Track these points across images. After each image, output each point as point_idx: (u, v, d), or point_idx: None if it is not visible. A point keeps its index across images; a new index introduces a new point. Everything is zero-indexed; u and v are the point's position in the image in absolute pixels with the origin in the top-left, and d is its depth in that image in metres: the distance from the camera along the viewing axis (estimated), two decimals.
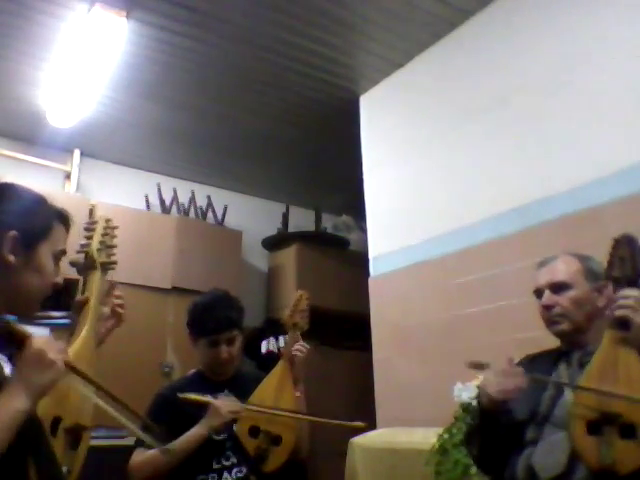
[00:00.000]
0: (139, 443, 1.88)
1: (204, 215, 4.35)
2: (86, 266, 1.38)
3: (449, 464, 1.94)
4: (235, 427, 1.91)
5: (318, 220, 4.67)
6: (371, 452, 2.33)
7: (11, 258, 1.05)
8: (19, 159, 3.81)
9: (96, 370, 1.24)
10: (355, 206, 3.70)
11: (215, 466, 1.87)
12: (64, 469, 1.10)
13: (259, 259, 4.66)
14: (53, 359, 0.98)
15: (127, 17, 2.72)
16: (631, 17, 2.22)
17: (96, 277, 1.36)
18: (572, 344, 1.52)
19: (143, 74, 3.23)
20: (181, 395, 1.88)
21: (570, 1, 2.45)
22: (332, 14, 2.77)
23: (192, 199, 4.33)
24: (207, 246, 4.06)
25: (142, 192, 4.18)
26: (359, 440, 2.41)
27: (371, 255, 3.17)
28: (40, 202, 1.16)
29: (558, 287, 1.52)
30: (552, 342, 1.59)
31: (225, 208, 4.43)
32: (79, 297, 1.37)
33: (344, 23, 2.85)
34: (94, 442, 1.30)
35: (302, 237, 4.41)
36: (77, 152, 4.06)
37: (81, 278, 3.37)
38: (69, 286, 3.21)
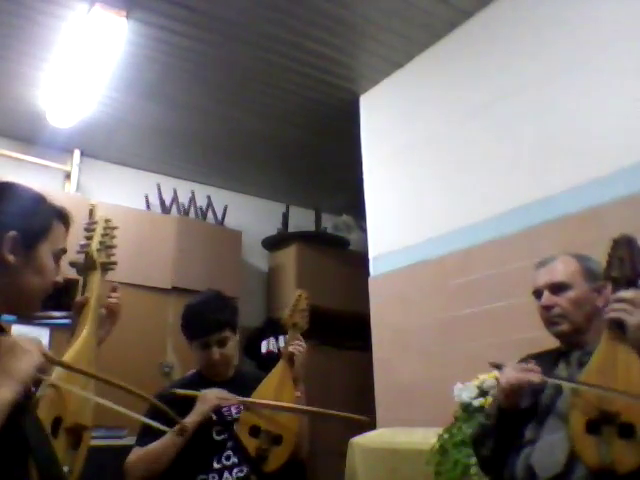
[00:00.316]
0: (138, 442, 1.88)
1: (204, 215, 4.35)
2: (86, 266, 1.38)
3: (449, 464, 1.94)
4: (235, 427, 1.91)
5: (318, 220, 4.67)
6: (371, 452, 2.33)
7: (11, 258, 1.05)
8: (19, 159, 3.82)
9: (96, 370, 1.24)
10: (355, 206, 3.70)
11: (216, 466, 1.87)
12: (65, 469, 1.10)
13: (259, 259, 4.66)
14: (28, 348, 0.98)
15: (127, 17, 2.72)
16: (631, 17, 2.22)
17: (96, 277, 1.36)
18: (572, 344, 1.52)
19: (143, 74, 3.23)
20: (171, 390, 1.89)
21: (570, 1, 2.45)
22: (332, 14, 2.77)
23: (192, 199, 4.33)
24: (207, 246, 4.06)
25: (142, 192, 4.18)
26: (359, 440, 2.41)
27: (371, 255, 3.18)
28: (39, 201, 1.16)
29: (557, 288, 1.52)
30: (552, 342, 1.59)
31: (225, 208, 4.43)
32: (79, 297, 1.37)
33: (344, 23, 2.85)
34: (94, 442, 1.30)
35: (302, 237, 4.41)
36: (77, 152, 4.07)
37: (81, 278, 3.39)
38: (69, 286, 3.22)
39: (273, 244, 4.57)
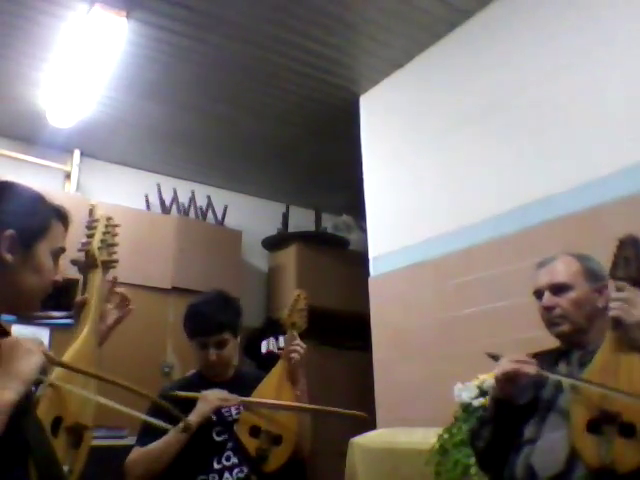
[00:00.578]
0: (138, 442, 1.88)
1: (204, 215, 4.35)
2: (87, 264, 1.38)
3: (449, 464, 1.94)
4: (236, 427, 1.91)
5: (318, 220, 4.67)
6: (371, 452, 2.33)
7: (9, 257, 1.05)
8: (19, 159, 3.82)
9: (97, 369, 1.24)
10: (355, 206, 3.70)
11: (216, 466, 1.87)
12: (65, 469, 1.10)
13: (259, 259, 4.66)
14: (30, 349, 0.98)
15: (127, 17, 2.72)
16: (632, 18, 2.22)
17: (97, 276, 1.35)
18: (573, 345, 1.52)
19: (143, 74, 3.23)
20: (172, 392, 1.89)
21: (570, 1, 2.45)
22: (332, 14, 2.77)
23: (192, 199, 4.33)
24: (207, 246, 4.06)
25: (142, 192, 4.18)
26: (359, 440, 2.41)
27: (371, 255, 3.17)
28: (37, 200, 1.16)
29: (558, 288, 1.52)
30: (552, 342, 1.59)
31: (225, 208, 4.43)
32: (79, 297, 1.37)
33: (344, 23, 2.85)
34: (95, 442, 1.29)
35: (302, 237, 4.41)
36: (77, 152, 4.07)
37: (81, 278, 3.39)
38: (69, 286, 3.23)
39: (273, 244, 4.57)
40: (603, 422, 1.28)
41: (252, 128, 3.81)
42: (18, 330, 2.68)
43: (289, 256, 4.35)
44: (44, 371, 1.01)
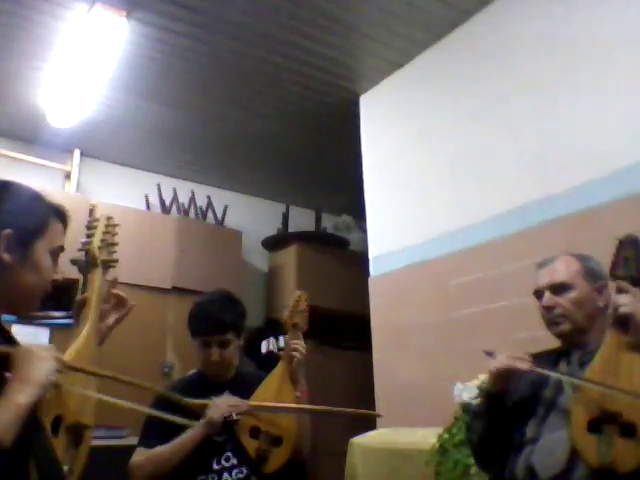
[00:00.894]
0: (142, 443, 1.88)
1: (204, 215, 4.35)
2: (87, 264, 1.38)
3: (449, 464, 1.94)
4: (236, 428, 1.91)
5: (318, 220, 4.67)
6: (371, 452, 2.33)
7: (7, 257, 1.05)
8: (19, 159, 3.82)
9: (97, 369, 1.24)
10: (355, 206, 3.70)
11: (215, 467, 1.87)
12: (65, 468, 1.10)
13: (259, 259, 4.66)
14: (42, 355, 1.01)
15: (127, 17, 2.72)
16: (632, 18, 2.22)
17: (97, 275, 1.35)
18: (573, 344, 1.52)
19: (143, 74, 3.23)
20: (184, 401, 1.88)
21: (571, 1, 2.45)
22: (332, 14, 2.77)
23: (192, 199, 4.34)
24: (207, 246, 4.06)
25: (142, 192, 4.18)
26: (359, 440, 2.41)
27: (371, 255, 3.17)
28: (35, 199, 1.15)
29: (558, 288, 1.52)
30: (552, 342, 1.59)
31: (225, 208, 4.43)
32: (79, 296, 1.37)
33: (344, 23, 2.85)
34: (95, 442, 1.29)
35: (302, 237, 4.41)
36: (77, 152, 4.07)
37: (81, 278, 3.38)
38: (69, 286, 3.23)
39: (273, 244, 4.57)
40: (604, 422, 1.28)
41: (252, 128, 3.81)
42: (18, 330, 2.68)
43: (289, 256, 4.35)
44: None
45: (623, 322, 1.33)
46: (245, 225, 4.45)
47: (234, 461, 1.89)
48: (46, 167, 3.94)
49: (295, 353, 1.97)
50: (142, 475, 1.83)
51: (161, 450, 1.83)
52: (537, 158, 2.45)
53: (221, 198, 4.49)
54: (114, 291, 1.39)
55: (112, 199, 3.87)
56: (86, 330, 1.25)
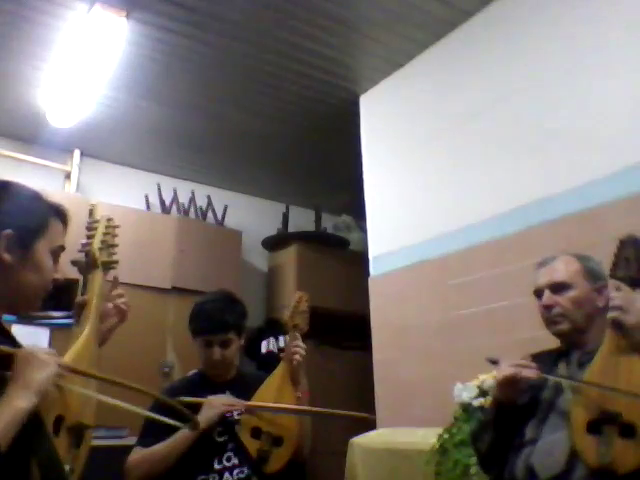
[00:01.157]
0: (140, 442, 1.88)
1: (204, 215, 4.35)
2: (87, 265, 1.38)
3: (449, 464, 1.94)
4: (237, 428, 1.91)
5: (318, 220, 4.67)
6: (371, 452, 2.33)
7: (7, 257, 1.05)
8: (19, 159, 3.82)
9: (98, 370, 1.24)
10: (355, 206, 3.70)
11: (216, 467, 1.87)
12: (67, 468, 1.10)
13: (259, 259, 4.66)
14: (44, 359, 1.00)
15: (127, 17, 2.72)
16: (632, 19, 2.22)
17: (97, 276, 1.35)
18: (572, 344, 1.52)
19: (143, 74, 3.23)
20: (178, 398, 1.88)
21: (571, 1, 2.45)
22: (332, 14, 2.77)
23: (192, 199, 4.34)
24: (207, 246, 4.06)
25: (142, 192, 4.18)
26: (359, 440, 2.41)
27: (371, 255, 3.17)
28: (35, 199, 1.15)
29: (558, 287, 1.52)
30: (552, 342, 1.59)
31: (225, 208, 4.43)
32: (79, 297, 1.37)
33: (344, 23, 2.85)
34: (95, 442, 1.29)
35: (302, 237, 4.41)
36: (77, 152, 4.07)
37: (81, 278, 3.38)
38: (69, 286, 3.23)
39: (273, 244, 4.58)
40: (603, 422, 1.28)
41: (252, 128, 3.81)
42: (18, 330, 2.68)
43: (289, 256, 4.35)
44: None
45: (618, 324, 1.33)
46: (245, 225, 4.45)
47: (235, 461, 1.89)
48: (46, 167, 3.95)
49: (295, 356, 1.97)
50: (138, 474, 1.83)
51: (157, 449, 1.83)
52: (537, 158, 2.45)
53: (221, 198, 4.49)
54: (119, 300, 1.39)
55: (112, 199, 3.87)
56: (86, 331, 1.25)
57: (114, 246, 1.43)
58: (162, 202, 4.21)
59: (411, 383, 2.72)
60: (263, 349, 3.99)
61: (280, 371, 1.99)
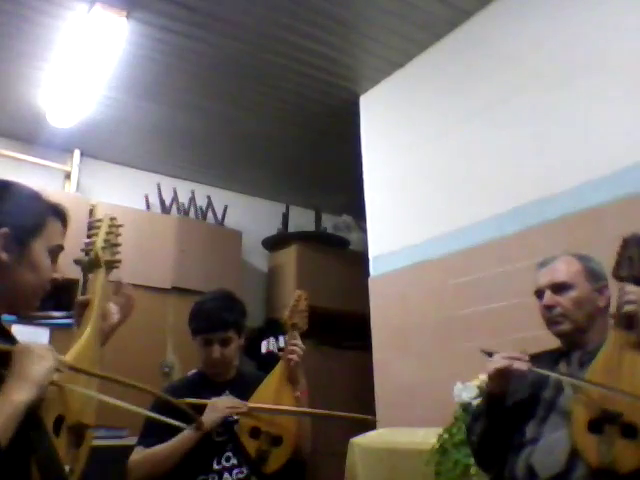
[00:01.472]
0: (141, 442, 1.88)
1: (204, 215, 4.35)
2: (90, 264, 1.37)
3: (449, 464, 1.94)
4: (236, 428, 1.91)
5: (318, 220, 4.67)
6: (371, 452, 2.34)
7: (4, 256, 1.05)
8: (19, 159, 3.82)
9: (100, 370, 1.24)
10: (355, 206, 3.70)
11: (215, 467, 1.87)
12: (67, 468, 1.10)
13: (259, 259, 4.66)
14: (42, 354, 1.00)
15: (127, 17, 2.72)
16: (632, 19, 2.22)
17: (100, 275, 1.35)
18: (573, 344, 1.52)
19: (143, 74, 3.23)
20: (182, 401, 1.88)
21: (571, 1, 2.45)
22: (332, 14, 2.78)
23: (192, 199, 4.34)
24: (207, 246, 4.06)
25: (142, 192, 4.18)
26: (359, 440, 2.41)
27: (371, 255, 3.18)
28: (32, 198, 1.15)
29: (559, 287, 1.52)
30: (552, 342, 1.59)
31: (225, 208, 4.43)
32: (80, 297, 1.37)
33: (344, 23, 2.85)
34: (95, 442, 1.29)
35: (302, 237, 4.41)
36: (77, 152, 4.07)
37: (81, 278, 3.38)
38: (69, 286, 3.23)
39: (273, 244, 4.57)
40: (604, 422, 1.28)
41: (252, 128, 3.81)
42: (18, 330, 2.68)
43: (289, 256, 4.35)
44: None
45: (629, 320, 1.32)
46: (245, 225, 4.45)
47: (234, 461, 1.89)
48: (46, 167, 3.94)
49: (292, 355, 1.97)
50: (139, 474, 1.83)
51: (158, 449, 1.83)
52: (537, 158, 2.45)
53: (221, 198, 4.49)
54: (124, 290, 1.39)
55: (112, 199, 3.87)
56: (89, 330, 1.25)
57: (117, 245, 1.43)
58: (162, 202, 4.21)
59: (411, 383, 2.72)
60: (263, 349, 3.99)
61: (279, 371, 1.98)
